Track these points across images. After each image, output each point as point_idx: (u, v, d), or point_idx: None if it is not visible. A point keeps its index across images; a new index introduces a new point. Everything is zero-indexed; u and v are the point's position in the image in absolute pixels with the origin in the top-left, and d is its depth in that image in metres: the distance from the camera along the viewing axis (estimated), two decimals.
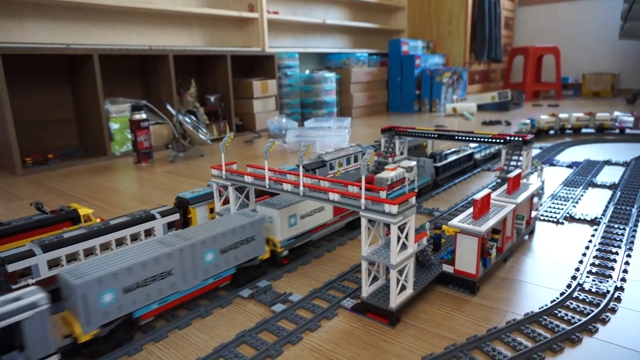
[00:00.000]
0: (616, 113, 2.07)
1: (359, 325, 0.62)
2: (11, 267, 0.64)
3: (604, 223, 0.94)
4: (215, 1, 2.48)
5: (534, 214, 0.91)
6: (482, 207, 0.72)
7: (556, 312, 0.62)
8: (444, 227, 0.71)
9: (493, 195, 0.81)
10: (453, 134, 1.10)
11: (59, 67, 1.93)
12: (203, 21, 2.45)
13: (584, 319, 0.60)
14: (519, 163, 0.95)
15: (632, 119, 2.03)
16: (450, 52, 3.80)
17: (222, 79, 2.36)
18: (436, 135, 1.13)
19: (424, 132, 1.14)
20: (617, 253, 0.80)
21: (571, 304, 0.64)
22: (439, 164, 1.26)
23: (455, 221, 0.70)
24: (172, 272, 0.63)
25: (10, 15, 1.74)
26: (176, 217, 0.84)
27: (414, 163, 1.09)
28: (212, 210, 0.90)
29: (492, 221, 0.69)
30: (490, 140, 1.03)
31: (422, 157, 1.45)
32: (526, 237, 0.90)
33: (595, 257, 0.79)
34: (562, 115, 2.08)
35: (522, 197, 0.80)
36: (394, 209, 0.57)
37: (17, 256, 0.65)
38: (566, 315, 0.61)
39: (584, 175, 1.34)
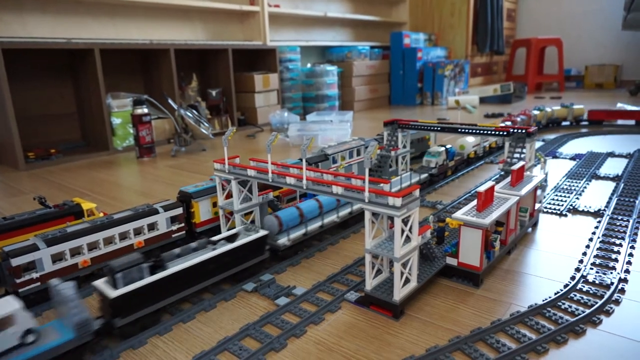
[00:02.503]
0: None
1: (363, 318, 0.62)
2: (15, 261, 0.64)
3: (608, 215, 0.94)
4: None
5: (537, 206, 0.90)
6: (485, 200, 0.72)
7: (560, 304, 0.62)
8: (447, 219, 0.71)
9: (497, 188, 0.81)
10: (456, 126, 1.09)
11: (60, 62, 1.93)
12: (204, 15, 2.44)
13: (587, 311, 0.60)
14: (522, 155, 0.95)
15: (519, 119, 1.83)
16: (452, 44, 3.78)
17: (224, 73, 2.36)
18: (439, 128, 1.12)
19: (427, 125, 1.14)
20: (620, 245, 0.80)
21: (575, 295, 0.64)
22: (117, 293, 0.56)
23: (459, 214, 0.69)
24: None
25: (11, 9, 1.74)
26: (179, 211, 0.84)
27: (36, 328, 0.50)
28: (214, 204, 0.90)
29: (495, 214, 0.69)
30: (493, 132, 1.02)
31: (424, 149, 1.44)
32: (530, 229, 0.90)
33: (599, 249, 0.79)
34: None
35: (526, 189, 0.80)
36: (398, 201, 0.57)
37: (21, 250, 0.65)
38: (570, 307, 0.61)
39: (587, 167, 1.34)
